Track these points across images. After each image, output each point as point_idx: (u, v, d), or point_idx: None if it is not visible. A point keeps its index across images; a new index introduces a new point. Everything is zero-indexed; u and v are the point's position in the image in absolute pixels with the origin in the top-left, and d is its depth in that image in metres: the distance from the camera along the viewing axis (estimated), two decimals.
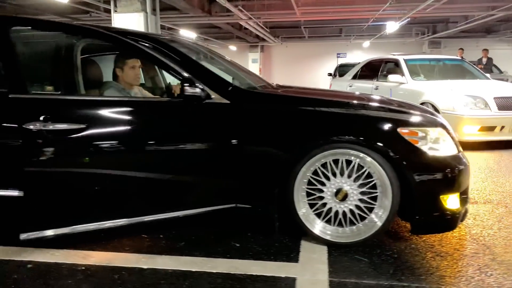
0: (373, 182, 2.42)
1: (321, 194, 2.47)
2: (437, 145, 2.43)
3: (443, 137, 2.48)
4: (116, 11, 7.63)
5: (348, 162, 2.44)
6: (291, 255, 2.40)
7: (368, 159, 2.37)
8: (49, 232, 2.32)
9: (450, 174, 2.39)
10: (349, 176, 2.44)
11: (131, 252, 2.47)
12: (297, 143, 2.42)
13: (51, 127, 2.27)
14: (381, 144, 2.36)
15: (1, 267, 2.30)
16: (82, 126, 2.31)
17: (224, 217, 2.57)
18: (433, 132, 2.46)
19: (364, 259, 2.35)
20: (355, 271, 2.22)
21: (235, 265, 2.28)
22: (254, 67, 21.47)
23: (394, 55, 8.07)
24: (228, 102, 2.50)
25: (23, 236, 2.29)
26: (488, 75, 8.14)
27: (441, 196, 2.38)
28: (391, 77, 7.29)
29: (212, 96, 2.47)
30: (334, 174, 2.45)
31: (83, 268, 2.28)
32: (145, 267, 2.27)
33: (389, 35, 17.46)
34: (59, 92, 2.48)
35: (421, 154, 2.37)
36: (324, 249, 2.46)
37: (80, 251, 2.47)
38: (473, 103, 5.85)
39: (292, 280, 2.12)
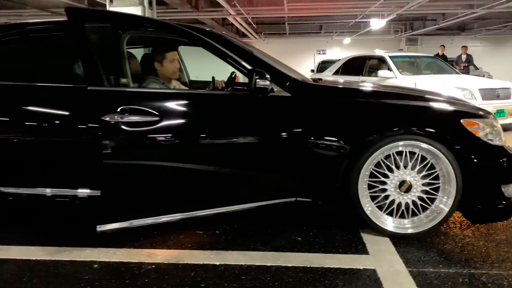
0: (436, 173, 2.45)
1: (384, 186, 2.48)
2: (492, 135, 2.49)
3: (495, 128, 2.54)
4: (112, 4, 7.40)
5: (411, 154, 2.46)
6: (358, 247, 2.41)
7: (433, 150, 2.40)
8: (124, 225, 2.27)
9: (507, 163, 2.45)
10: (413, 168, 2.46)
11: (195, 248, 2.41)
12: (361, 135, 2.42)
13: (126, 119, 2.21)
14: (445, 135, 2.39)
15: (65, 268, 2.20)
16: (156, 118, 2.25)
17: (280, 211, 2.56)
18: (489, 123, 2.51)
19: (432, 249, 2.38)
20: (428, 260, 2.24)
21: (307, 259, 2.26)
22: None
23: (376, 52, 8.75)
24: (289, 95, 2.48)
25: (99, 228, 2.25)
26: (457, 70, 8.94)
27: (503, 186, 2.44)
28: (380, 72, 7.69)
29: (274, 90, 2.45)
30: (397, 167, 2.47)
31: (153, 266, 2.21)
32: (217, 263, 2.23)
33: (368, 33, 17.74)
34: (131, 85, 2.47)
35: (482, 144, 2.42)
36: (387, 240, 2.48)
37: (142, 250, 2.40)
38: (462, 94, 6.35)
39: (373, 272, 2.12)
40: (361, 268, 2.16)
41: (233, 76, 3.11)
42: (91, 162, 2.29)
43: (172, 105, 2.37)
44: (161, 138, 2.30)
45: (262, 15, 13.34)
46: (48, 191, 2.38)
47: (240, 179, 2.49)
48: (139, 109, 2.26)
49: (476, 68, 13.68)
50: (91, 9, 2.63)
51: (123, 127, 2.23)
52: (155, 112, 2.27)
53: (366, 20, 14.11)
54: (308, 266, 2.19)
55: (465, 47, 13.05)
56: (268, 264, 2.21)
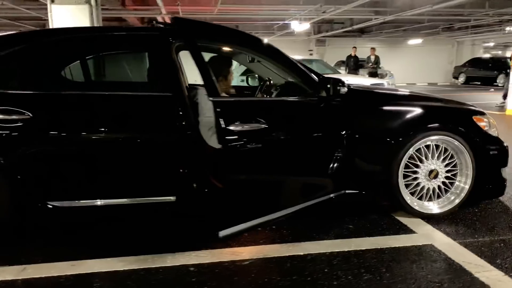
0: (454, 162, 2.97)
1: (416, 175, 2.93)
2: (491, 129, 3.08)
3: (491, 122, 3.14)
4: (53, 1, 6.90)
5: (436, 147, 2.94)
6: (403, 228, 2.81)
7: (454, 142, 2.90)
8: (243, 227, 2.39)
9: (504, 151, 3.06)
10: (438, 158, 2.94)
11: (270, 243, 2.59)
12: (402, 133, 2.83)
13: (244, 127, 2.41)
14: (463, 130, 2.91)
15: (162, 274, 2.24)
16: (264, 126, 2.47)
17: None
18: (488, 118, 3.10)
19: (460, 224, 2.88)
20: (465, 232, 2.73)
21: (373, 242, 2.60)
22: None
23: None
24: (339, 99, 2.79)
25: (222, 233, 2.33)
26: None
27: (501, 168, 3.04)
28: None
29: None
30: (426, 157, 2.93)
31: (247, 262, 2.36)
32: (301, 253, 2.45)
33: (285, 34, 18.68)
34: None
35: (487, 136, 3.00)
36: (421, 221, 2.92)
37: (221, 250, 2.51)
38: None
39: (432, 246, 2.54)
40: (421, 244, 2.57)
41: (269, 82, 3.32)
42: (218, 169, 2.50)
43: (276, 113, 2.62)
44: (269, 144, 2.54)
45: (192, 16, 13.27)
46: (172, 199, 2.58)
47: (312, 177, 2.77)
48: (251, 118, 2.47)
49: (379, 68, 15.30)
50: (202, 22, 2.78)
51: (241, 135, 2.41)
52: (263, 120, 2.47)
53: (287, 22, 14.90)
54: (379, 247, 2.53)
55: (373, 49, 14.47)
56: (345, 250, 2.50)
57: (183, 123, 2.52)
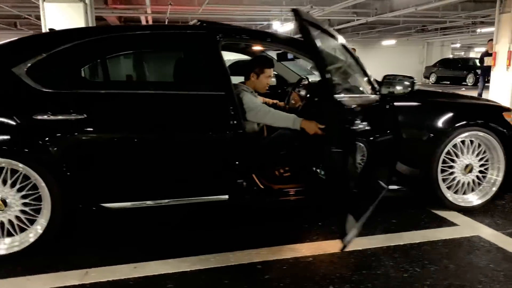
0: (486, 157, 3.10)
1: (452, 170, 3.04)
2: None
3: None
4: (45, 0, 6.67)
5: (469, 142, 3.06)
6: (445, 221, 2.91)
7: (488, 137, 3.03)
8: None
9: None
10: (472, 153, 3.06)
11: (324, 240, 2.63)
12: (442, 129, 2.93)
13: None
14: (496, 125, 3.05)
15: (227, 274, 2.24)
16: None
17: None
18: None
19: (494, 215, 3.01)
20: (504, 223, 2.86)
21: (423, 235, 2.69)
22: None
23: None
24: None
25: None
26: None
27: None
28: None
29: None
30: (461, 153, 3.04)
31: (311, 259, 2.38)
32: (360, 248, 2.50)
33: None
34: None
35: None
36: (457, 214, 3.03)
37: (278, 247, 2.52)
38: None
39: (478, 237, 2.65)
40: (468, 235, 2.67)
41: (307, 82, 3.35)
42: None
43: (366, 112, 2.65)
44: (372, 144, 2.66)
45: (175, 15, 13.13)
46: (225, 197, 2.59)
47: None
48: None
49: None
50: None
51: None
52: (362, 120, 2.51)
53: (270, 23, 14.98)
54: (431, 240, 2.61)
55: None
56: (400, 243, 2.57)
57: (235, 121, 2.53)
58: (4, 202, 2.37)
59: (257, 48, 3.54)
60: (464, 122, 2.97)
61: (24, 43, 2.53)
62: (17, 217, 2.40)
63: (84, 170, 2.42)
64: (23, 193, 2.38)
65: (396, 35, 20.93)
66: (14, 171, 2.36)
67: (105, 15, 11.81)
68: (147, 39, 2.62)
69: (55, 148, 2.34)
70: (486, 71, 10.62)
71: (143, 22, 13.42)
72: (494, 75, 9.39)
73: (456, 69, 20.68)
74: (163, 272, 2.24)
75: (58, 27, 6.61)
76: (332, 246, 2.53)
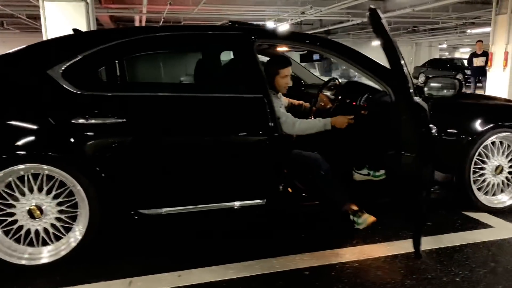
0: None
1: (483, 171, 3.04)
2: None
3: None
4: None
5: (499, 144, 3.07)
6: (478, 223, 2.91)
7: None
8: None
9: None
10: (502, 154, 3.07)
11: (362, 244, 2.60)
12: (474, 131, 2.93)
13: None
14: None
15: (277, 281, 2.19)
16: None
17: None
18: None
19: None
20: None
21: (461, 237, 2.67)
22: None
23: None
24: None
25: None
26: None
27: None
28: None
29: None
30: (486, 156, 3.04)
31: (357, 264, 2.35)
32: (403, 252, 2.46)
33: None
34: None
35: None
36: (489, 215, 3.03)
37: (321, 252, 2.48)
38: None
39: None
40: (506, 237, 2.67)
41: (337, 83, 3.31)
42: None
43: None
44: None
45: (170, 15, 12.99)
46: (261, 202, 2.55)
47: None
48: None
49: None
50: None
51: None
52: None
53: (263, 23, 14.92)
54: (470, 242, 2.60)
55: None
56: (441, 246, 2.55)
57: (272, 124, 2.48)
58: (40, 210, 2.27)
59: (280, 49, 3.48)
60: (495, 123, 2.97)
61: (59, 44, 2.44)
62: (53, 225, 2.31)
63: (122, 176, 2.34)
64: (59, 200, 2.30)
65: None
66: (49, 178, 2.27)
67: (98, 15, 11.60)
68: (184, 40, 2.55)
69: (93, 153, 2.26)
70: (476, 72, 10.82)
71: (137, 23, 13.25)
72: (490, 75, 9.55)
73: (445, 69, 20.93)
74: (209, 280, 2.18)
75: (58, 26, 6.50)
76: (374, 250, 2.50)
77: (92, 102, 2.29)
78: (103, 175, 2.29)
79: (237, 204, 2.54)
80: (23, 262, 2.25)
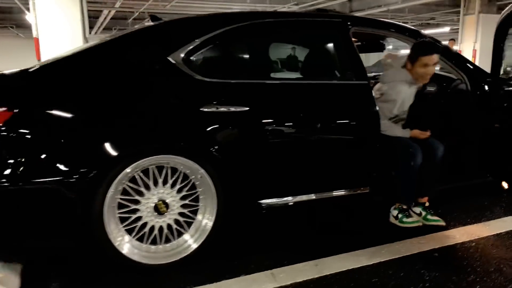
0: None
1: None
2: None
3: None
4: None
5: None
6: None
7: None
8: None
9: None
10: None
11: (462, 225, 2.70)
12: None
13: None
14: None
15: (408, 263, 2.22)
16: None
17: None
18: None
19: None
20: None
21: None
22: None
23: None
24: None
25: None
26: None
27: None
28: None
29: None
30: None
31: (474, 243, 2.43)
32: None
33: None
34: None
35: None
36: None
37: (433, 235, 2.54)
38: None
39: None
40: None
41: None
42: None
43: None
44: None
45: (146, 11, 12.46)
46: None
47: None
48: None
49: None
50: None
51: None
52: None
53: None
54: None
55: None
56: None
57: (376, 109, 2.50)
58: (166, 205, 2.12)
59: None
60: None
61: (177, 27, 2.28)
62: (176, 221, 2.17)
63: (248, 165, 2.25)
64: (183, 193, 2.16)
65: None
66: (172, 171, 2.12)
67: None
68: (292, 26, 2.49)
69: (221, 142, 2.15)
70: None
71: (102, 17, 12.63)
72: None
73: None
74: (349, 268, 2.15)
75: (50, 14, 6.04)
76: (478, 231, 2.60)
77: (219, 89, 2.17)
78: (228, 165, 2.18)
79: (344, 192, 2.53)
80: (163, 261, 2.10)
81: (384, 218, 2.76)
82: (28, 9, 11.12)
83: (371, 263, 2.21)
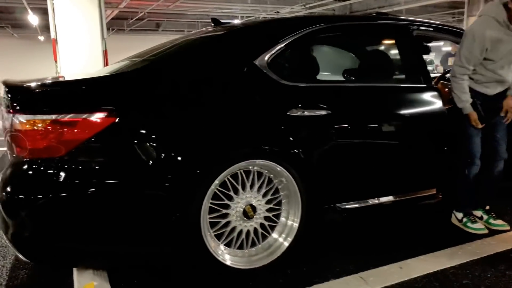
0: None
1: None
2: None
3: None
4: None
5: None
6: None
7: None
8: None
9: None
10: None
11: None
12: None
13: None
14: None
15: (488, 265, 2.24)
16: None
17: None
18: None
19: None
20: None
21: None
22: None
23: None
24: None
25: None
26: None
27: None
28: None
29: None
30: None
31: None
32: None
33: None
34: None
35: None
36: None
37: (500, 235, 2.57)
38: None
39: None
40: None
41: None
42: None
43: None
44: None
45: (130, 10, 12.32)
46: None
47: None
48: None
49: None
50: None
51: None
52: None
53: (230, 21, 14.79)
54: None
55: None
56: None
57: (443, 113, 2.53)
58: (253, 209, 2.11)
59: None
60: None
61: (260, 31, 2.27)
62: (261, 225, 2.16)
63: (330, 168, 2.25)
64: (268, 197, 2.15)
65: None
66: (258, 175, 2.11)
67: None
68: (367, 30, 2.51)
69: (305, 147, 2.14)
70: None
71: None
72: None
73: None
74: (436, 269, 2.16)
75: (68, 15, 5.93)
76: None
77: (303, 94, 2.17)
78: (311, 169, 2.18)
79: (414, 194, 2.56)
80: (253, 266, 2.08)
81: (444, 219, 2.79)
82: (31, 10, 11.01)
83: (453, 264, 2.23)
